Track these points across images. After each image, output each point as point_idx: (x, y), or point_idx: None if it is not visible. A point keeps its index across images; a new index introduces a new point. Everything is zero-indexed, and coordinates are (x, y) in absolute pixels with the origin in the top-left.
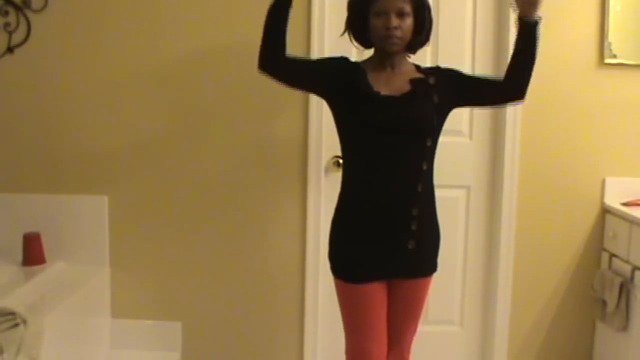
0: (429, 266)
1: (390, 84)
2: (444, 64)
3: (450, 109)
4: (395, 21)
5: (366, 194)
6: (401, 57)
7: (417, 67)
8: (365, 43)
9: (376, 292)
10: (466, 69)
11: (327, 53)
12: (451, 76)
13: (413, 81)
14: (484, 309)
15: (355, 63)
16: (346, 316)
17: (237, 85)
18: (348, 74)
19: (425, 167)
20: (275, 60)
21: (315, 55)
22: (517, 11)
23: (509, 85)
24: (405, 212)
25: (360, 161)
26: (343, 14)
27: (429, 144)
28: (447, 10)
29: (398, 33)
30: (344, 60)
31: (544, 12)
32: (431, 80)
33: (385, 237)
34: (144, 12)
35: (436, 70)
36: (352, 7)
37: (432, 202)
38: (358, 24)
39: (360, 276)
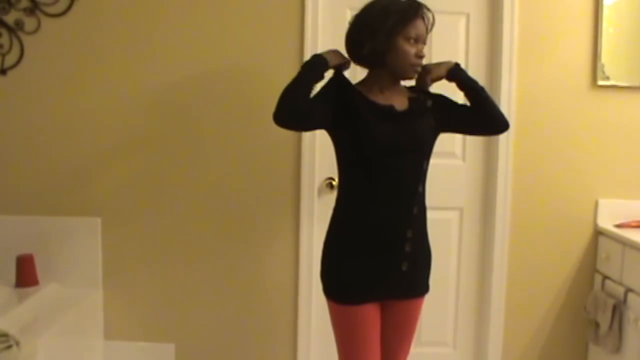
0: (421, 287)
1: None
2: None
3: (439, 133)
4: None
5: (363, 215)
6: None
7: (410, 88)
8: (366, 61)
9: (370, 313)
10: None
11: None
12: (443, 102)
13: (411, 100)
14: (476, 331)
15: (356, 88)
16: (340, 337)
17: (230, 109)
18: (350, 101)
19: (420, 189)
20: (296, 117)
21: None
22: (429, 80)
23: (487, 123)
24: (401, 233)
25: (360, 182)
26: (335, 32)
27: (424, 165)
28: (440, 40)
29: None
30: (345, 87)
31: (538, 34)
32: (428, 103)
33: (380, 257)
34: (138, 36)
35: (429, 93)
36: (376, 26)
37: (425, 224)
38: (381, 45)
39: (355, 297)
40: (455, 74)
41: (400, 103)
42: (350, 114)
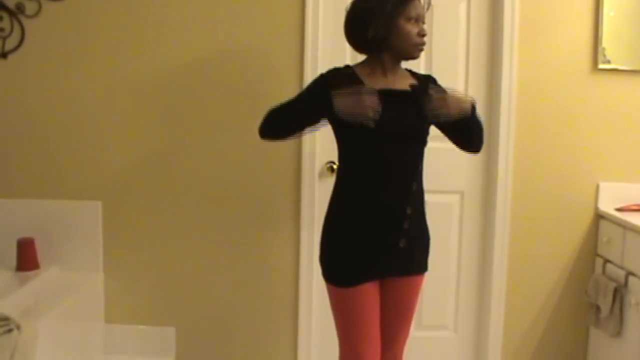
0: (419, 265)
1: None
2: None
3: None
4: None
5: (363, 195)
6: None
7: (410, 72)
8: (369, 47)
9: (369, 294)
10: (460, 84)
11: (321, 55)
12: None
13: (412, 85)
14: (477, 314)
15: (346, 73)
16: (340, 321)
17: (231, 94)
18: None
19: (420, 167)
20: (281, 137)
21: (308, 56)
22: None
23: (465, 145)
24: (400, 210)
25: (360, 163)
26: (336, 17)
27: (424, 145)
28: (441, 25)
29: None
30: (328, 78)
31: (539, 18)
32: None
33: (378, 236)
34: (140, 20)
35: (430, 78)
36: (377, 10)
37: (423, 202)
38: (384, 28)
39: (353, 278)
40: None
41: (403, 86)
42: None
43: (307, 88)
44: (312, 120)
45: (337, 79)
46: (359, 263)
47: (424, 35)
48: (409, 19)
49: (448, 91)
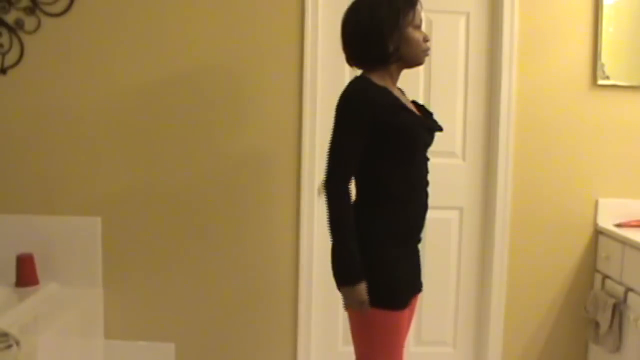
0: None
1: (407, 101)
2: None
3: None
4: None
5: (408, 214)
6: None
7: None
8: (383, 60)
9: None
10: (459, 102)
11: (320, 65)
12: None
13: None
14: (476, 330)
15: (380, 90)
16: (385, 345)
17: (231, 109)
18: (387, 111)
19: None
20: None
21: (307, 65)
22: None
23: None
24: (423, 224)
25: (402, 174)
26: (335, 26)
27: None
28: (440, 40)
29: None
30: (373, 105)
31: (538, 34)
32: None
33: (415, 253)
34: (138, 35)
35: None
36: (390, 22)
37: None
38: (398, 39)
39: (406, 299)
40: None
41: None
42: (389, 123)
43: (350, 121)
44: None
45: (378, 95)
46: (409, 283)
47: (428, 40)
48: (416, 26)
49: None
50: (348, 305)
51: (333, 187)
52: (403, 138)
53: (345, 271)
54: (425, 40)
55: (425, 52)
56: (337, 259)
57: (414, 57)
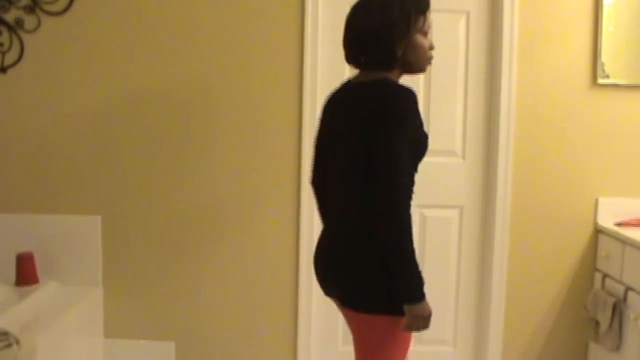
0: None
1: None
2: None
3: None
4: None
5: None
6: None
7: None
8: (389, 65)
9: None
10: (459, 101)
11: (320, 66)
12: None
13: None
14: (476, 329)
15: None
16: (401, 351)
17: (230, 109)
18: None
19: None
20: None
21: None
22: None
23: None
24: None
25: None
26: (336, 25)
27: None
28: (440, 41)
29: None
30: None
31: (538, 33)
32: None
33: None
34: (138, 34)
35: None
36: (401, 26)
37: None
38: (407, 44)
39: None
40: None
41: None
42: (421, 128)
43: (411, 120)
44: None
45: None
46: None
47: (433, 49)
48: (424, 33)
49: None
50: (417, 324)
51: (407, 198)
52: (421, 145)
53: (420, 287)
54: (431, 48)
55: (429, 60)
56: (412, 275)
57: (418, 64)
